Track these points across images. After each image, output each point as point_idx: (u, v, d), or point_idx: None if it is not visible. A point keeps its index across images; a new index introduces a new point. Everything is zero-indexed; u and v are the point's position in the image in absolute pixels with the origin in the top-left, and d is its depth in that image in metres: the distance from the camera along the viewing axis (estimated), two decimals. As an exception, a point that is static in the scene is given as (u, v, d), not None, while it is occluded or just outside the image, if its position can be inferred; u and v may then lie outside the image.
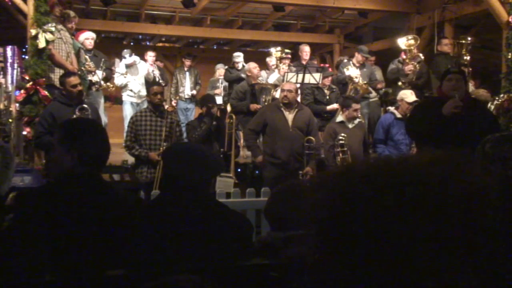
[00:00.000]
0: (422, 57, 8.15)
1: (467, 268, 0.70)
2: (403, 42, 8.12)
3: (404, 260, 0.69)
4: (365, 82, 8.12)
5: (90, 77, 7.57)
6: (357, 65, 8.35)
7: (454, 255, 0.70)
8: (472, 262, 0.70)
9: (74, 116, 5.35)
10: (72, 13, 7.25)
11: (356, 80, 7.96)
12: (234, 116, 6.75)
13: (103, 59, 8.06)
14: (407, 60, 8.03)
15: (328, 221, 0.77)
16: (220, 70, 9.98)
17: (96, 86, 7.75)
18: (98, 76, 7.74)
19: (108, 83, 7.99)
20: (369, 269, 0.71)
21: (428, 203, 0.70)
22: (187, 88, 9.96)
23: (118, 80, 8.74)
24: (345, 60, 8.84)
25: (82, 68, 7.26)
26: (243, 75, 8.32)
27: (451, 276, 0.69)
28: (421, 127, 4.14)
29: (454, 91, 4.18)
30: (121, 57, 9.09)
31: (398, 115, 6.48)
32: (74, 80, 5.54)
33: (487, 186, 0.73)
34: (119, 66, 8.86)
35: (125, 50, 9.08)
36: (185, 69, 10.12)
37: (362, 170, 0.76)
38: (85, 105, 5.53)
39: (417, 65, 7.99)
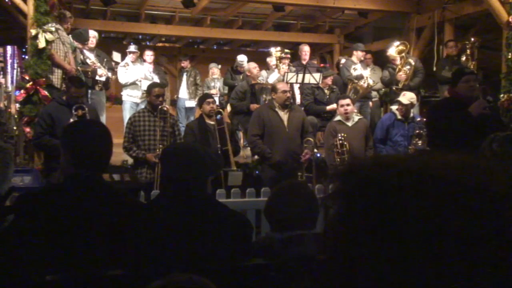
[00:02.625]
0: (413, 62, 8.10)
1: (488, 273, 0.70)
2: (393, 50, 8.09)
3: (427, 258, 0.69)
4: (376, 82, 8.13)
5: (97, 77, 7.59)
6: (358, 63, 8.37)
7: (480, 259, 0.69)
8: (493, 267, 0.70)
9: (73, 117, 5.37)
10: (68, 13, 7.23)
11: (367, 80, 7.96)
12: (222, 111, 6.63)
13: (105, 59, 8.06)
14: (399, 66, 8.00)
15: (354, 211, 0.75)
16: (214, 69, 9.94)
17: (100, 85, 7.75)
18: (106, 73, 7.74)
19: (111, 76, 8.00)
20: (390, 266, 0.71)
21: (468, 206, 0.70)
22: (183, 89, 9.92)
23: (122, 78, 8.71)
24: (344, 60, 8.84)
25: (79, 67, 7.26)
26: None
27: (471, 280, 0.69)
28: (449, 128, 4.16)
29: (475, 92, 4.28)
30: (120, 52, 9.11)
31: (399, 116, 6.49)
32: (77, 91, 5.52)
33: None
34: (118, 60, 8.82)
35: (132, 46, 9.12)
36: (183, 69, 10.07)
37: (395, 164, 0.75)
38: (81, 104, 5.53)
39: (408, 71, 7.96)
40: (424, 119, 6.10)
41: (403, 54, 7.99)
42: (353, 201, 0.76)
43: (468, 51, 8.13)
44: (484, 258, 0.70)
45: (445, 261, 0.69)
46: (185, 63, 10.10)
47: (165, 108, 5.95)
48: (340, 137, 6.11)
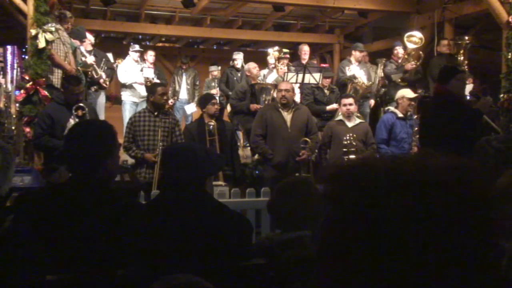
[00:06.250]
0: (422, 55, 8.17)
1: (474, 273, 0.70)
2: (410, 37, 8.11)
3: (414, 259, 0.69)
4: (371, 82, 8.14)
5: (96, 76, 7.60)
6: (357, 64, 8.37)
7: (465, 259, 0.70)
8: (479, 266, 0.70)
9: (72, 117, 5.37)
10: (68, 14, 7.22)
11: (361, 80, 7.98)
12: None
13: (104, 59, 8.05)
14: (406, 57, 8.04)
15: (339, 213, 0.76)
16: (214, 72, 9.94)
17: (95, 86, 7.75)
18: (102, 75, 7.75)
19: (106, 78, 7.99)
20: (378, 267, 0.71)
21: (448, 206, 0.70)
22: (183, 89, 9.90)
23: (122, 77, 8.72)
24: (345, 60, 8.84)
25: (79, 68, 7.27)
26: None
27: (457, 280, 0.69)
28: (450, 126, 4.19)
29: (464, 90, 4.40)
30: (116, 52, 9.14)
31: (400, 114, 6.50)
32: (76, 89, 5.55)
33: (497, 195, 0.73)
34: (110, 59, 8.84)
35: (136, 45, 9.16)
36: (182, 69, 10.03)
37: (381, 166, 0.75)
38: (81, 104, 5.54)
39: (418, 63, 8.03)
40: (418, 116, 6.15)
41: (414, 47, 8.04)
42: (338, 203, 0.76)
43: (462, 51, 8.17)
44: (471, 258, 0.70)
45: (429, 260, 0.69)
46: (184, 66, 10.09)
47: (167, 107, 5.95)
48: (347, 137, 6.09)
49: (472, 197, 0.71)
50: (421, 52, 8.18)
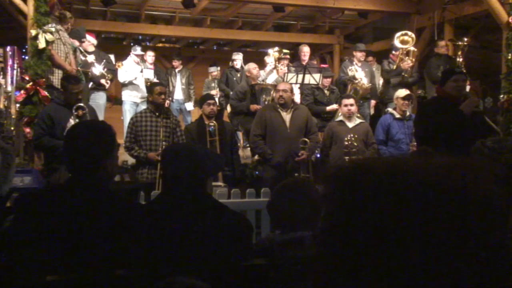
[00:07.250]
0: (417, 53, 8.20)
1: (473, 273, 0.70)
2: (400, 37, 8.14)
3: (415, 260, 0.69)
4: (370, 84, 8.14)
5: (97, 75, 7.62)
6: (359, 64, 8.38)
7: (467, 260, 0.69)
8: (477, 267, 0.70)
9: (72, 117, 5.38)
10: (68, 14, 7.23)
11: (361, 81, 7.98)
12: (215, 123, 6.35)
13: (104, 60, 8.04)
14: (401, 56, 8.05)
15: (339, 214, 0.76)
16: (213, 72, 9.95)
17: (93, 84, 7.78)
18: (104, 75, 7.77)
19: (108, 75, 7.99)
20: (378, 268, 0.71)
21: (447, 207, 0.70)
22: (177, 89, 9.89)
23: (121, 76, 8.73)
24: (346, 61, 8.85)
25: (79, 68, 7.28)
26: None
27: (454, 280, 0.69)
28: (438, 128, 4.19)
29: (462, 92, 4.35)
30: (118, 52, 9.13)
31: (397, 115, 6.52)
32: (75, 88, 5.56)
33: (499, 194, 0.73)
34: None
35: (138, 47, 9.17)
36: (176, 70, 9.99)
37: (382, 167, 0.75)
38: (81, 104, 5.54)
39: (414, 60, 8.04)
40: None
41: (407, 47, 8.05)
42: (337, 204, 0.76)
43: (460, 52, 8.18)
44: (465, 259, 0.70)
45: (430, 261, 0.69)
46: (176, 63, 10.05)
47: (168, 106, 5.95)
48: (348, 138, 6.10)
49: (475, 197, 0.71)
50: (415, 49, 8.18)
